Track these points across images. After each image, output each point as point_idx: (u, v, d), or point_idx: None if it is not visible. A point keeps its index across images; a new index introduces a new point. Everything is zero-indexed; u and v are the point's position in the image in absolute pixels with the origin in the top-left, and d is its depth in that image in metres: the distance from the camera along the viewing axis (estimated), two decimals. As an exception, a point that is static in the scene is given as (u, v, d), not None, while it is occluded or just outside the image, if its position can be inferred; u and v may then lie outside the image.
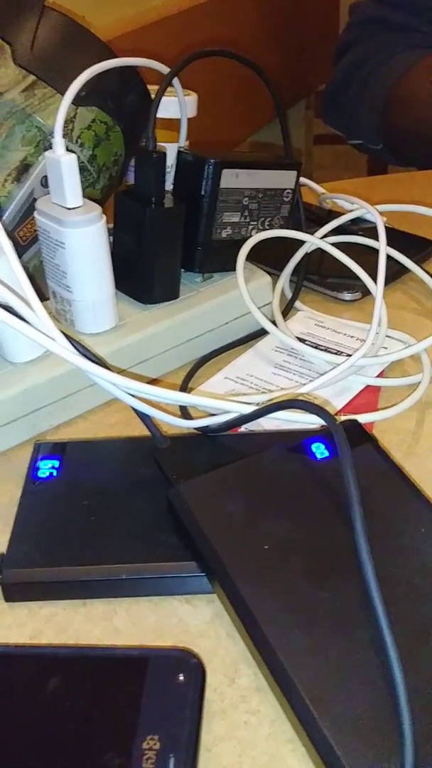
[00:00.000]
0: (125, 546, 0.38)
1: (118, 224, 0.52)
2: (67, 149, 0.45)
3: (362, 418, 0.47)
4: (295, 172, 0.57)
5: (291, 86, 1.68)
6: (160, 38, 1.15)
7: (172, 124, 0.57)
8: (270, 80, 0.57)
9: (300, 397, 0.47)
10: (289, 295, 0.61)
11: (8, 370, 0.46)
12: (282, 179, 0.56)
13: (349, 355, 0.50)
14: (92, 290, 0.48)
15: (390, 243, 0.59)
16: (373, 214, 0.61)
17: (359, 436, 0.42)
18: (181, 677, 0.31)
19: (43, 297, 0.50)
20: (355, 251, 0.60)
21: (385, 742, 0.29)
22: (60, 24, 0.51)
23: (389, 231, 0.59)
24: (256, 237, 0.56)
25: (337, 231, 0.64)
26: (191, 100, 0.56)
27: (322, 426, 0.44)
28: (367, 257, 0.59)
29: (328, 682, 0.31)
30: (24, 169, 0.48)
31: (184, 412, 0.48)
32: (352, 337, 0.56)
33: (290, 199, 0.57)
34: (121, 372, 0.50)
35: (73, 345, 0.41)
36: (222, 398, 0.45)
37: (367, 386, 0.51)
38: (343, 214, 0.65)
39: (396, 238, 0.67)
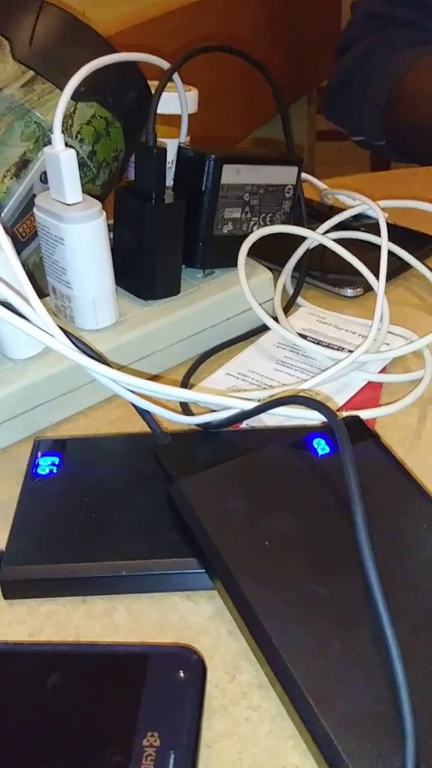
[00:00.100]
0: (125, 542, 0.38)
1: (119, 220, 0.52)
2: (67, 145, 0.45)
3: (364, 414, 0.46)
4: (296, 168, 0.57)
5: (293, 82, 1.68)
6: (161, 34, 1.15)
7: (173, 120, 0.57)
8: (271, 76, 0.56)
9: (301, 394, 0.47)
10: (290, 291, 0.61)
11: (8, 366, 0.46)
12: (283, 175, 0.56)
13: (351, 352, 0.50)
14: (92, 286, 0.48)
15: (392, 239, 0.58)
16: (374, 209, 0.61)
17: (361, 432, 0.42)
18: (182, 674, 0.31)
19: (42, 293, 0.50)
20: (356, 247, 0.60)
21: (387, 737, 0.28)
22: (59, 19, 0.51)
23: (391, 227, 0.59)
24: (258, 233, 0.56)
25: (338, 227, 0.63)
26: (192, 95, 0.56)
27: (324, 422, 0.43)
28: (368, 253, 0.58)
29: (330, 678, 0.30)
30: (23, 164, 0.48)
31: (185, 409, 0.48)
32: (353, 333, 0.55)
33: (291, 194, 0.57)
34: (121, 368, 0.49)
35: (72, 341, 0.41)
36: (223, 394, 0.45)
37: (369, 382, 0.50)
38: (344, 210, 0.65)
39: (398, 234, 0.66)
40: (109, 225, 0.47)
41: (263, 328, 0.55)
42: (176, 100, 0.55)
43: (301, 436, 0.41)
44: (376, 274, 0.55)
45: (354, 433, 0.40)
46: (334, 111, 1.21)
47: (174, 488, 0.38)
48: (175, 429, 0.45)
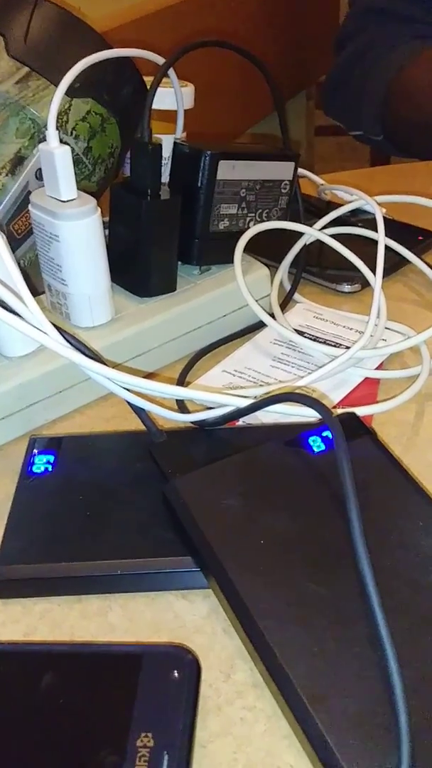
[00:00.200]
0: (121, 541, 0.38)
1: (114, 217, 0.51)
2: (62, 141, 0.45)
3: (361, 411, 0.46)
4: (293, 163, 0.56)
5: (292, 77, 1.67)
6: (158, 29, 1.14)
7: (171, 116, 0.56)
8: (268, 71, 0.56)
9: (297, 390, 0.47)
10: (287, 287, 0.60)
11: (3, 364, 0.46)
12: (280, 170, 0.56)
13: (348, 348, 0.50)
14: (87, 283, 0.47)
15: (390, 234, 0.58)
16: (371, 205, 0.60)
17: (357, 428, 0.41)
18: (176, 673, 0.31)
19: (36, 291, 0.50)
20: (355, 243, 0.59)
21: (382, 737, 0.28)
22: (54, 15, 0.51)
23: (389, 222, 0.59)
24: (254, 229, 0.55)
25: (336, 222, 0.63)
26: (188, 91, 0.56)
27: (320, 419, 0.43)
28: (366, 249, 0.58)
29: (325, 677, 0.30)
30: (18, 161, 0.48)
31: (181, 406, 0.47)
32: (351, 329, 0.55)
33: (288, 190, 0.57)
34: (116, 366, 0.49)
35: (66, 339, 0.41)
36: (218, 392, 0.44)
37: (366, 378, 0.50)
38: (342, 205, 0.65)
39: (396, 229, 0.66)
40: (104, 222, 0.47)
41: (260, 325, 0.55)
42: (172, 96, 0.55)
43: (297, 434, 0.41)
44: (374, 270, 0.55)
45: (350, 430, 0.40)
46: (333, 106, 1.21)
47: (169, 486, 0.38)
48: (170, 426, 0.45)
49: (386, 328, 0.54)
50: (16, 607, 0.37)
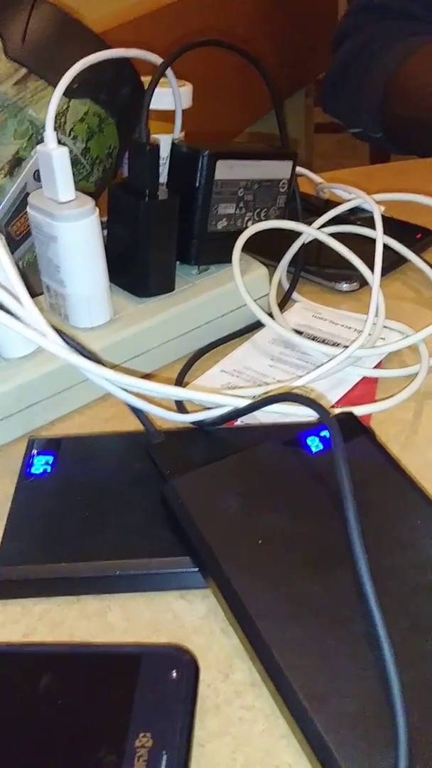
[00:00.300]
0: (119, 542, 0.38)
1: (112, 217, 0.51)
2: (61, 142, 0.45)
3: (359, 410, 0.46)
4: (290, 162, 0.56)
5: (290, 75, 1.67)
6: (157, 28, 1.14)
7: (169, 115, 0.56)
8: (266, 70, 0.56)
9: (295, 390, 0.47)
10: (286, 286, 0.60)
11: (2, 366, 0.46)
12: (278, 169, 0.56)
13: (346, 347, 0.50)
14: (86, 284, 0.47)
15: (389, 232, 0.58)
16: (369, 203, 0.60)
17: (354, 428, 0.42)
18: (174, 674, 0.31)
19: (35, 292, 0.50)
20: (354, 241, 0.59)
21: (380, 737, 0.28)
22: (52, 16, 0.51)
23: (388, 220, 0.59)
24: (252, 228, 0.55)
25: (335, 221, 0.63)
26: (186, 90, 0.56)
27: (318, 419, 0.43)
28: (365, 247, 0.58)
29: (323, 677, 0.30)
30: (16, 162, 0.48)
31: (180, 406, 0.48)
32: (349, 328, 0.55)
33: (286, 189, 0.57)
34: (115, 366, 0.49)
35: (64, 340, 0.41)
36: (216, 392, 0.44)
37: (365, 378, 0.50)
38: (341, 203, 0.65)
39: (395, 227, 0.66)
40: (103, 222, 0.47)
41: (258, 325, 0.55)
42: (170, 96, 0.55)
43: (295, 434, 0.41)
44: (372, 269, 0.55)
45: (347, 430, 0.40)
46: (331, 103, 1.21)
47: (167, 487, 0.38)
48: (169, 427, 0.45)
49: (385, 326, 0.54)
50: (15, 608, 0.37)
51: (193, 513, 0.37)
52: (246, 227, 0.55)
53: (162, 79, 0.50)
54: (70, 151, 0.45)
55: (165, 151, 0.52)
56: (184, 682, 0.31)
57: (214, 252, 0.55)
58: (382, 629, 0.30)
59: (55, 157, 0.44)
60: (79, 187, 0.46)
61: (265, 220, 0.57)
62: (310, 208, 0.70)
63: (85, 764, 0.28)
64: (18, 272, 0.41)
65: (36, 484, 0.41)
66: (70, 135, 0.50)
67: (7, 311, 0.40)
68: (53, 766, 0.28)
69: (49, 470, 0.42)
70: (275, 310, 0.56)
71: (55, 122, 0.47)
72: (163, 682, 0.31)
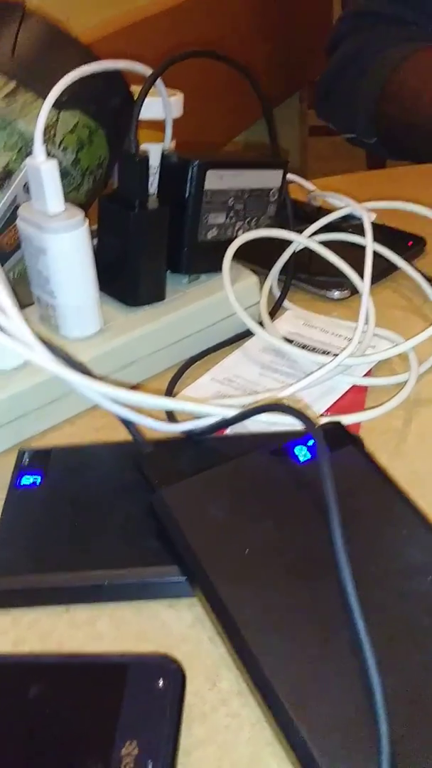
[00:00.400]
0: (108, 552, 0.38)
1: (103, 228, 0.52)
2: (50, 154, 0.45)
3: (348, 419, 0.47)
4: (281, 171, 0.57)
5: (285, 79, 1.67)
6: (149, 36, 1.14)
7: (160, 125, 0.57)
8: (256, 79, 0.56)
9: (284, 400, 0.47)
10: (277, 294, 0.61)
11: (-7, 376, 0.46)
12: (268, 178, 0.56)
13: (336, 355, 0.50)
14: (76, 295, 0.48)
15: (380, 240, 0.58)
16: (360, 211, 0.61)
17: (341, 437, 0.42)
18: (161, 683, 0.32)
19: (25, 303, 0.51)
20: (346, 249, 0.60)
21: (364, 745, 0.29)
22: (41, 29, 0.51)
23: (379, 228, 0.59)
24: (242, 237, 0.56)
25: (327, 228, 0.64)
26: (176, 100, 0.56)
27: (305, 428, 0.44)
28: (357, 254, 0.58)
29: (308, 686, 0.31)
30: (6, 175, 0.49)
31: (170, 416, 0.48)
32: (340, 336, 0.56)
33: (277, 198, 0.57)
34: (106, 376, 0.50)
35: (52, 352, 0.41)
36: (204, 402, 0.45)
37: (354, 386, 0.51)
38: (333, 211, 0.65)
39: (387, 234, 0.66)
40: (93, 231, 0.48)
41: (249, 333, 0.55)
42: (160, 105, 0.55)
43: (284, 443, 0.41)
44: (362, 276, 0.55)
45: (334, 439, 0.40)
46: (325, 108, 1.21)
47: (156, 497, 0.39)
48: (159, 437, 0.45)
49: (375, 334, 0.55)
50: (5, 618, 0.37)
51: (181, 523, 0.37)
52: (236, 236, 0.56)
53: (152, 89, 0.50)
54: (60, 163, 0.46)
55: (155, 161, 0.52)
56: (170, 690, 0.31)
57: (205, 261, 0.55)
58: (365, 637, 0.31)
59: (43, 171, 0.44)
60: (69, 198, 0.47)
61: (256, 228, 0.57)
62: (302, 215, 0.70)
63: (71, 773, 0.29)
64: (6, 284, 0.41)
65: (26, 494, 0.41)
66: (60, 147, 0.50)
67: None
68: (40, 776, 0.29)
69: (39, 481, 0.42)
70: (266, 318, 0.56)
71: (45, 135, 0.47)
72: (149, 691, 0.31)
